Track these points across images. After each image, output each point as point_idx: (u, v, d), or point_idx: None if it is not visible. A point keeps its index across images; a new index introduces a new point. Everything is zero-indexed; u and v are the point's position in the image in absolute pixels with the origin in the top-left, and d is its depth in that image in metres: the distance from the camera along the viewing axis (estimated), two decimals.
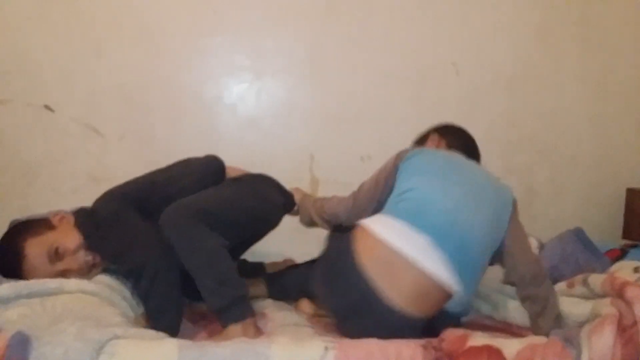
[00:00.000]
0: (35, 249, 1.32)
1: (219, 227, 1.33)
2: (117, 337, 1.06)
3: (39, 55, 1.92)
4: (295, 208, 1.62)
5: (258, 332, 1.29)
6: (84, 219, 1.44)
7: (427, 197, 1.30)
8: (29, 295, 1.19)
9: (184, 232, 1.29)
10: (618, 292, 1.25)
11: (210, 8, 1.96)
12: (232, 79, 2.01)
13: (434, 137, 1.62)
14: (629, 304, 1.18)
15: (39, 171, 1.95)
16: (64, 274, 1.33)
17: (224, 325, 1.27)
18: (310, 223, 1.58)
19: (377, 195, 1.41)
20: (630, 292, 1.21)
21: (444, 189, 1.32)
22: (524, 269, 1.32)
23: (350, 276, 1.22)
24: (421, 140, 1.64)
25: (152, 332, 1.15)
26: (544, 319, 1.29)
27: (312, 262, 1.47)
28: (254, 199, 1.46)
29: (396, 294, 1.19)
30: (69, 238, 1.36)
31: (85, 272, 1.37)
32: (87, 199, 1.89)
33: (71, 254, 1.35)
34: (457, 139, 1.62)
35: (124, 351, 1.04)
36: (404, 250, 1.21)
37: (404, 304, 1.19)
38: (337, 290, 1.26)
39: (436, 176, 1.36)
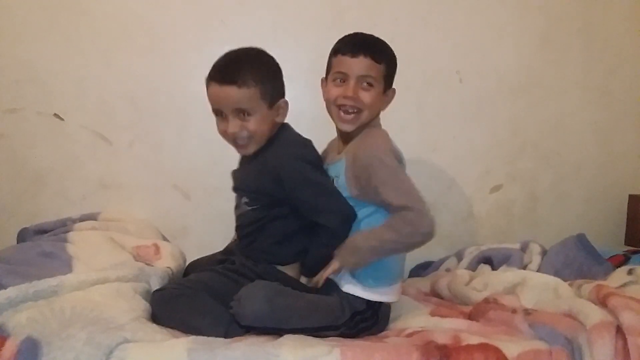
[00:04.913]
0: None
1: None
2: (126, 340, 1.08)
3: (49, 65, 1.94)
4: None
5: None
6: None
7: None
8: (36, 295, 1.19)
9: None
10: (602, 302, 1.27)
11: (218, 18, 1.98)
12: None
13: (392, 91, 1.53)
14: (613, 313, 1.20)
15: (48, 178, 1.97)
16: None
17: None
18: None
19: None
20: (613, 302, 1.24)
21: None
22: None
23: None
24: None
25: (162, 334, 1.17)
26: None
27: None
28: None
29: None
30: None
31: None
32: (97, 206, 1.94)
33: None
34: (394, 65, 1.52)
35: (134, 355, 1.05)
36: None
37: None
38: None
39: None
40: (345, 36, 1.46)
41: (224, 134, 1.42)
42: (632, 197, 2.15)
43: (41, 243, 1.59)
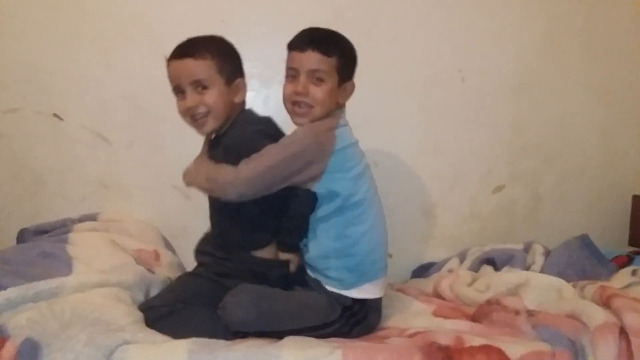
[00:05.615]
0: None
1: None
2: (126, 342, 1.08)
3: (48, 64, 1.94)
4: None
5: None
6: None
7: None
8: (35, 297, 1.20)
9: None
10: (606, 303, 1.27)
11: (219, 17, 1.97)
12: None
13: (351, 84, 1.46)
14: (617, 314, 1.20)
15: (48, 178, 1.97)
16: None
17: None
18: None
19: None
20: (617, 303, 1.23)
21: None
22: None
23: None
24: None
25: (161, 336, 1.17)
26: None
27: None
28: None
29: None
30: None
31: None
32: (97, 206, 1.93)
33: None
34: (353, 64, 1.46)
35: (134, 356, 1.06)
36: None
37: None
38: None
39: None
40: (298, 32, 1.46)
41: (184, 112, 1.45)
42: (635, 198, 2.14)
43: (41, 244, 1.59)
